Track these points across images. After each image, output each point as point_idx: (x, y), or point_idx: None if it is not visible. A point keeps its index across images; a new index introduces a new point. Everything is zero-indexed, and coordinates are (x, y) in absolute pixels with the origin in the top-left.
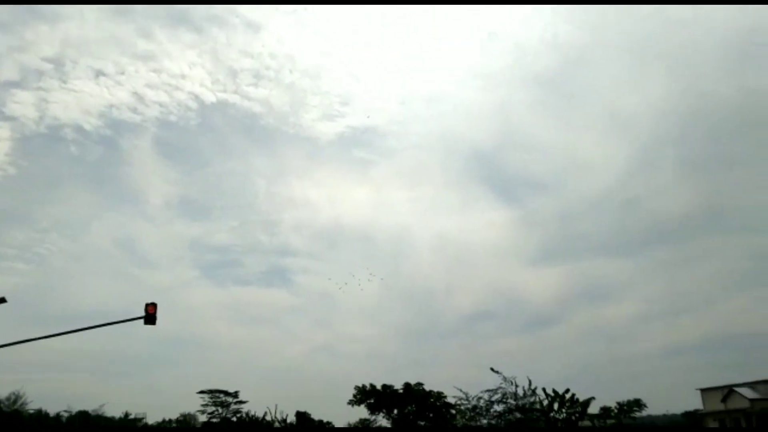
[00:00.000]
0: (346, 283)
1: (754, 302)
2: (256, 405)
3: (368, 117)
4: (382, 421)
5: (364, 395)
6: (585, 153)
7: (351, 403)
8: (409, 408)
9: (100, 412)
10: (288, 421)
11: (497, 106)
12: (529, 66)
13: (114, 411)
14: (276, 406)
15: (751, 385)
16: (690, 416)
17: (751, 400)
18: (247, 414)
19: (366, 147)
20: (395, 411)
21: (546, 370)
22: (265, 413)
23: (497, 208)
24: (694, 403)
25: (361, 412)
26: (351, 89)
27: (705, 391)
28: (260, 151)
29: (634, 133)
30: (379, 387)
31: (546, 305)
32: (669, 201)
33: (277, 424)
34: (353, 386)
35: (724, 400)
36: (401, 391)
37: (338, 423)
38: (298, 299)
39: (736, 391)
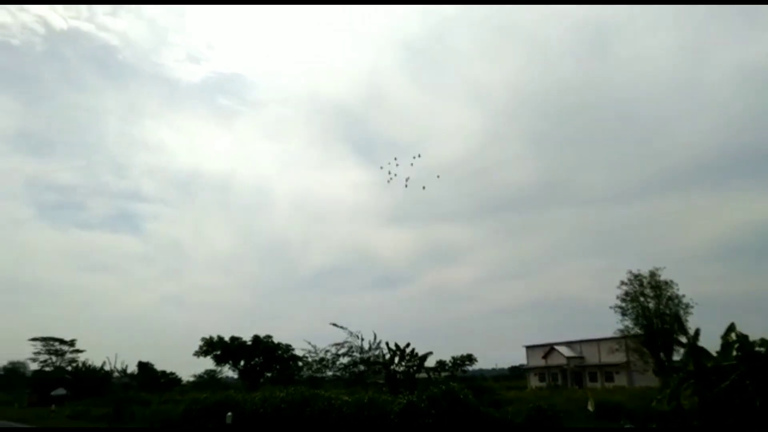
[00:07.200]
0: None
1: (576, 271)
2: (95, 354)
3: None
4: (229, 372)
5: (211, 347)
6: (444, 120)
7: (197, 354)
8: (257, 360)
9: None
10: (129, 371)
11: (365, 69)
12: (399, 31)
13: None
14: (116, 355)
15: (568, 344)
16: (515, 370)
17: (568, 358)
18: (83, 363)
19: (231, 95)
20: (242, 363)
21: (393, 325)
22: (104, 363)
23: (357, 168)
24: (519, 358)
25: (208, 363)
26: (218, 33)
27: (530, 348)
28: (114, 88)
29: (489, 106)
30: (227, 339)
31: (397, 265)
32: (514, 173)
33: (116, 374)
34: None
35: (545, 356)
36: (250, 343)
37: (183, 374)
38: (146, 246)
39: (555, 349)
